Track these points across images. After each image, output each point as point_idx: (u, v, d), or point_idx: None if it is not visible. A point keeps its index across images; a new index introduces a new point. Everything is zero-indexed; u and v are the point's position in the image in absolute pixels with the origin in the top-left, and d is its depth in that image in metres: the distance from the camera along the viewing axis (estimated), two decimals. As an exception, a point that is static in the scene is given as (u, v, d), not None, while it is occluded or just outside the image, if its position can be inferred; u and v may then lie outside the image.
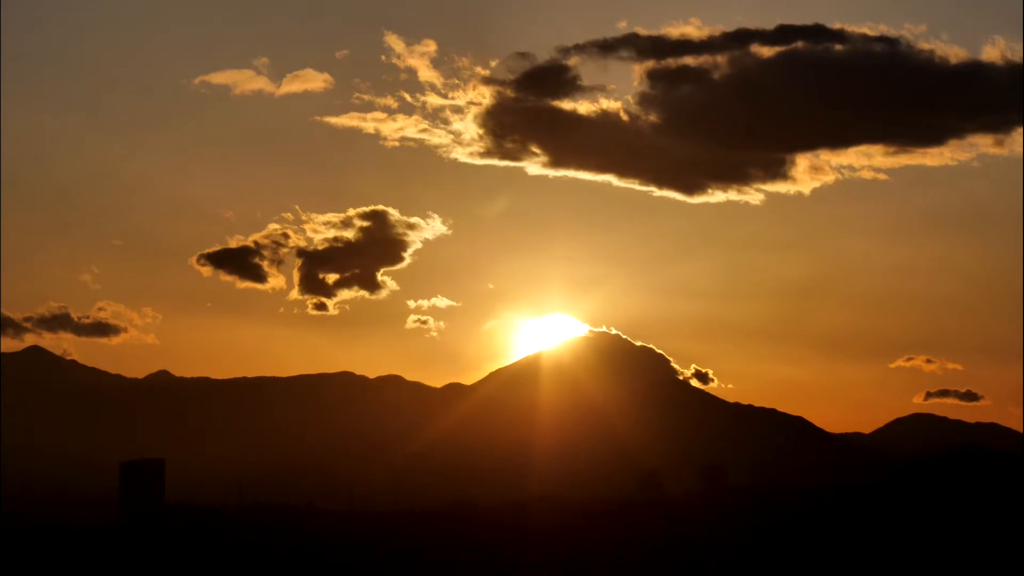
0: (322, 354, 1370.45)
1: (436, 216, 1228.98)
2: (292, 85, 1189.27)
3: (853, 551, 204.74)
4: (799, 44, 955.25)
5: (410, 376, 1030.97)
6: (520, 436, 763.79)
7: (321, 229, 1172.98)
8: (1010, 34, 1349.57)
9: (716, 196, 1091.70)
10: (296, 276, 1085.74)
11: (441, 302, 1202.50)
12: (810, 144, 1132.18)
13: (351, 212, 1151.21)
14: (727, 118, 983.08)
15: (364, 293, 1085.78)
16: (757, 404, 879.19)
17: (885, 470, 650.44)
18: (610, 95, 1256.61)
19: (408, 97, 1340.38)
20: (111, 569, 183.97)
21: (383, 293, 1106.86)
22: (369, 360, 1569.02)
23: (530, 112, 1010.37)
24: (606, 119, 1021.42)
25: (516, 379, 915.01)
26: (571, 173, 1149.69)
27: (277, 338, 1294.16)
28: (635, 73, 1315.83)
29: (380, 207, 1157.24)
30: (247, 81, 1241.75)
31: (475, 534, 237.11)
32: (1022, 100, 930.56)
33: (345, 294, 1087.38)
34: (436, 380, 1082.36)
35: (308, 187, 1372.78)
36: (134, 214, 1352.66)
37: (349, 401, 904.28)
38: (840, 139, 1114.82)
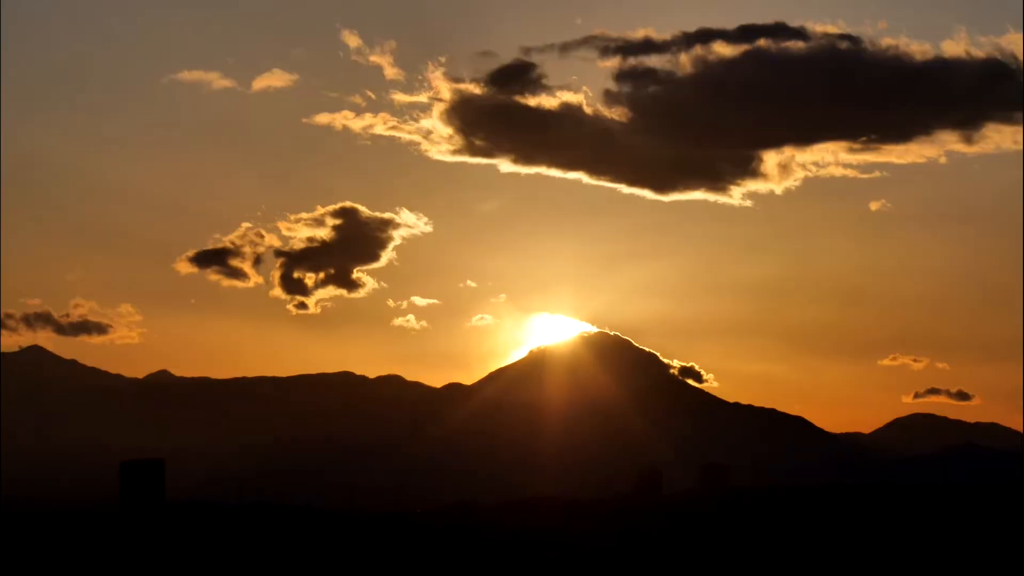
0: (317, 353, 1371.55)
1: (412, 213, 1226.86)
2: (261, 84, 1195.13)
3: (853, 551, 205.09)
4: (761, 42, 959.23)
5: (409, 376, 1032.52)
6: (521, 436, 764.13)
7: (296, 228, 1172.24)
8: (972, 27, 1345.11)
9: (688, 194, 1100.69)
10: (276, 276, 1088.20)
11: (421, 300, 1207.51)
12: (776, 142, 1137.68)
13: (320, 210, 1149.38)
14: (693, 117, 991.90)
15: (343, 292, 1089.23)
16: (756, 404, 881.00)
17: (885, 470, 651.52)
18: (575, 92, 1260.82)
19: (373, 95, 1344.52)
20: (110, 569, 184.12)
21: (362, 292, 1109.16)
22: (365, 359, 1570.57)
23: (497, 110, 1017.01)
24: (572, 117, 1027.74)
25: (517, 379, 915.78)
26: (543, 171, 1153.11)
27: (269, 337, 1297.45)
28: (599, 73, 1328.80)
29: (350, 204, 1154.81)
30: (216, 81, 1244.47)
31: (476, 534, 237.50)
32: (988, 96, 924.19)
33: (322, 293, 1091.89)
34: (434, 379, 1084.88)
35: (281, 186, 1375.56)
36: (110, 212, 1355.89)
37: (349, 401, 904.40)
38: (806, 137, 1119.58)
